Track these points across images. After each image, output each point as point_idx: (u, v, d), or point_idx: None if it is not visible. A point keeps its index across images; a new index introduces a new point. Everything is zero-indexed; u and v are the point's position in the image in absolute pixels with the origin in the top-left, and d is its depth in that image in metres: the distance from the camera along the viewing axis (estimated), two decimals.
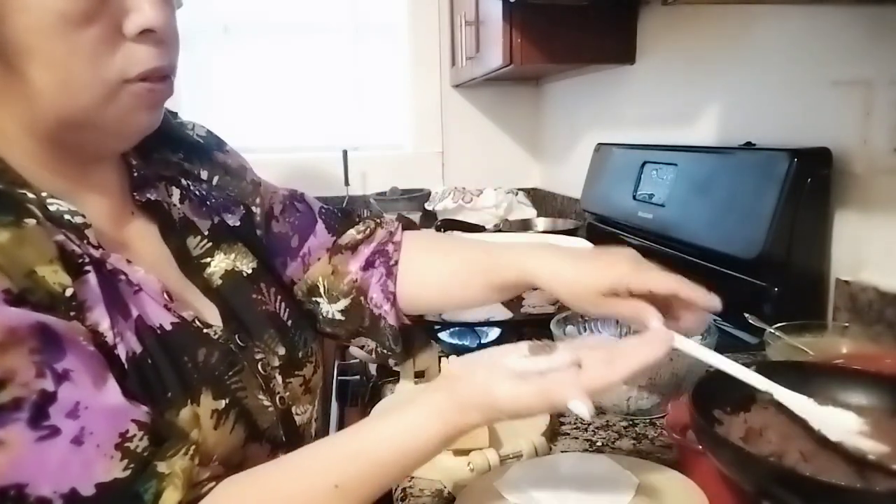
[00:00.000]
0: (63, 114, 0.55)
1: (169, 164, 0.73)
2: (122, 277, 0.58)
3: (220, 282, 0.69)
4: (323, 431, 0.90)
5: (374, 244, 0.83)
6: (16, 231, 0.50)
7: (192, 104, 2.30)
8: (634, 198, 1.45)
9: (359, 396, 1.37)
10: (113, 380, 0.51)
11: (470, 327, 1.07)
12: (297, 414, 0.69)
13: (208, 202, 0.74)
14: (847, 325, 0.87)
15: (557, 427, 0.79)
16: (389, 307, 0.80)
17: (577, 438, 0.77)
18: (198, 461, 0.53)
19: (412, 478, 0.70)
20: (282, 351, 0.70)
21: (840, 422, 0.52)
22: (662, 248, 1.33)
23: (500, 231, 1.92)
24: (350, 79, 2.50)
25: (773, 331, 0.84)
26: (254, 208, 0.79)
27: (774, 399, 0.55)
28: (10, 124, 0.56)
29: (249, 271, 0.73)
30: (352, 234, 0.84)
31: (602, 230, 1.65)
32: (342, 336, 0.84)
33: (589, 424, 0.79)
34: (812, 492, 0.45)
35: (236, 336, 0.66)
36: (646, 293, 0.62)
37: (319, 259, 0.82)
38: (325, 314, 0.81)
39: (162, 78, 0.59)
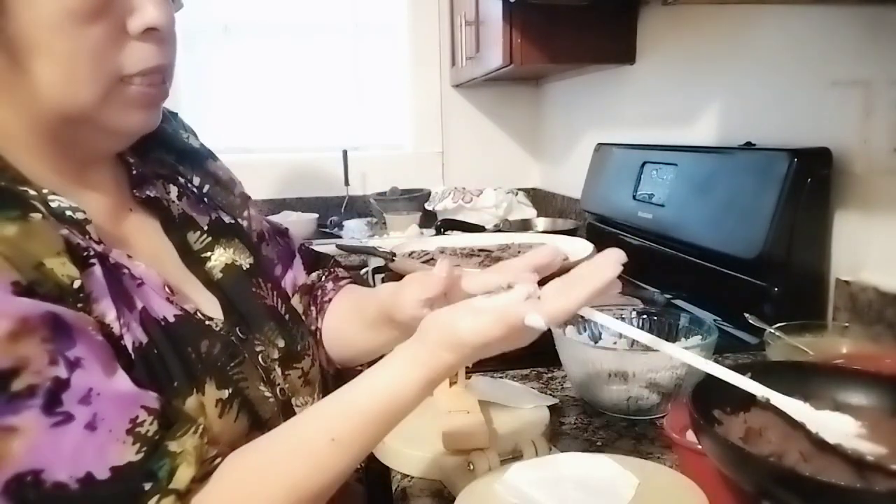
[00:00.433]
0: (64, 110, 0.57)
1: (164, 163, 0.75)
2: (125, 271, 0.59)
3: (220, 275, 0.71)
4: None
5: (321, 286, 0.87)
6: (23, 225, 0.51)
7: (192, 104, 2.30)
8: (634, 198, 1.45)
9: None
10: (121, 369, 0.53)
11: None
12: (297, 406, 0.70)
13: (204, 200, 0.77)
14: (847, 325, 0.87)
15: (557, 427, 0.79)
16: (319, 345, 0.84)
17: (577, 438, 0.77)
18: (207, 440, 0.55)
19: (412, 478, 0.70)
20: (281, 343, 0.71)
21: (837, 425, 0.52)
22: (662, 248, 1.34)
23: (500, 231, 1.92)
24: (350, 79, 2.51)
25: (773, 331, 0.84)
26: (241, 221, 0.80)
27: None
28: (11, 121, 0.57)
29: (247, 266, 0.74)
30: (314, 277, 0.88)
31: (602, 230, 1.65)
32: None
33: (589, 424, 0.79)
34: (812, 492, 0.45)
35: (237, 328, 0.67)
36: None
37: (294, 294, 0.85)
38: None
39: (158, 81, 0.61)
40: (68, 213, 0.56)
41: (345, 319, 0.83)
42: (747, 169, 1.10)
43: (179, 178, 0.75)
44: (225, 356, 0.63)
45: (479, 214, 2.12)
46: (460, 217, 2.10)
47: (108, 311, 0.54)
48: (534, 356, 0.96)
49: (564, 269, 0.62)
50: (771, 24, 1.15)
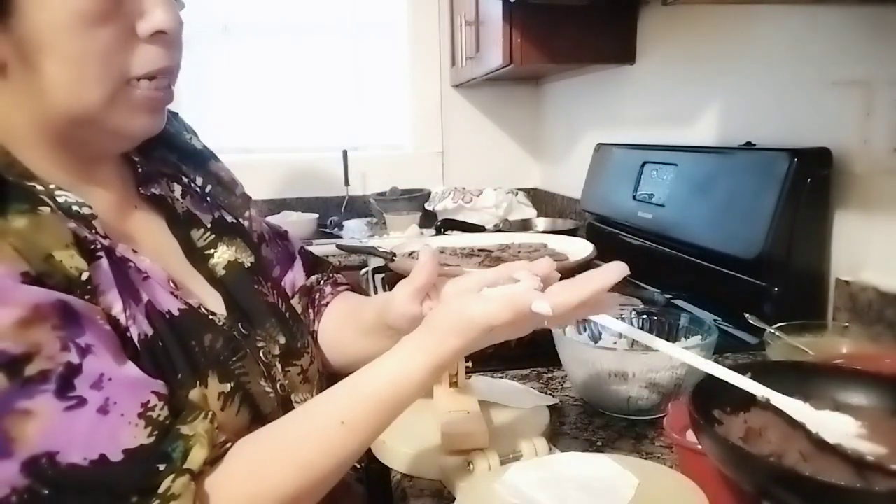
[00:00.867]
0: (72, 110, 0.58)
1: (168, 163, 0.76)
2: (131, 265, 0.60)
3: (223, 272, 0.72)
4: None
5: (319, 289, 0.88)
6: (32, 218, 0.52)
7: (192, 104, 2.30)
8: (634, 198, 1.45)
9: None
10: (128, 358, 0.54)
11: None
12: (296, 402, 0.71)
13: (207, 199, 0.78)
14: (847, 325, 0.87)
15: (557, 427, 0.79)
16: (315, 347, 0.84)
17: (577, 438, 0.77)
18: (216, 425, 0.56)
19: (412, 478, 0.70)
20: (282, 340, 0.72)
21: (837, 425, 0.52)
22: (662, 248, 1.34)
23: (500, 231, 1.92)
24: (350, 79, 2.50)
25: (773, 331, 0.84)
26: (242, 221, 0.81)
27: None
28: (21, 119, 0.58)
29: (249, 264, 0.75)
30: (313, 280, 0.89)
31: (602, 230, 1.65)
32: None
33: (589, 424, 0.79)
34: (812, 492, 0.45)
35: (239, 324, 0.69)
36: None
37: (294, 296, 0.86)
38: None
39: (164, 85, 0.62)
40: (75, 208, 0.57)
41: (340, 325, 0.84)
42: (747, 169, 1.10)
43: (183, 178, 0.76)
44: (227, 351, 0.64)
45: (479, 214, 2.12)
46: (460, 217, 2.10)
47: (114, 302, 0.56)
48: (534, 356, 0.96)
49: (565, 271, 0.63)
50: (771, 24, 1.15)
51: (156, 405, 0.52)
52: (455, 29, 2.22)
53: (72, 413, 0.48)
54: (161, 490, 0.49)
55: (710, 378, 0.57)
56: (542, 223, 1.98)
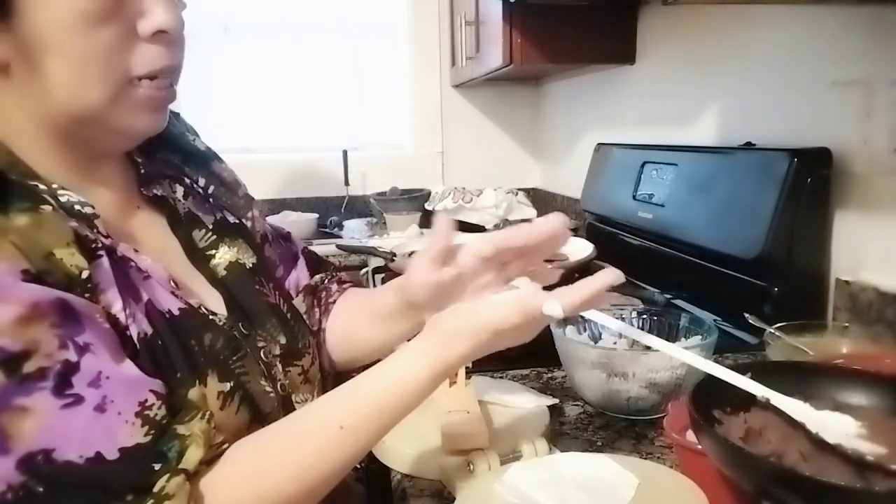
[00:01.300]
0: (75, 109, 0.58)
1: (170, 164, 0.76)
2: (132, 264, 0.60)
3: (224, 272, 0.72)
4: None
5: (325, 287, 0.89)
6: (34, 216, 0.52)
7: (192, 104, 2.30)
8: (634, 198, 1.45)
9: None
10: (127, 357, 0.54)
11: None
12: (297, 402, 0.71)
13: (210, 200, 0.78)
14: (847, 325, 0.87)
15: (557, 427, 0.79)
16: (322, 344, 0.85)
17: (577, 438, 0.77)
18: (213, 425, 0.56)
19: (412, 478, 0.70)
20: (283, 340, 0.72)
21: (837, 425, 0.52)
22: (662, 248, 1.34)
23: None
24: (350, 79, 2.50)
25: (773, 331, 0.84)
26: (245, 221, 0.81)
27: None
28: (23, 119, 0.58)
29: (251, 265, 0.75)
30: (317, 279, 0.89)
31: (602, 230, 1.65)
32: None
33: (589, 424, 0.79)
34: (812, 492, 0.45)
35: (240, 324, 0.69)
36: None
37: (298, 295, 0.85)
38: None
39: (166, 84, 0.62)
40: (77, 207, 0.58)
41: (352, 318, 0.84)
42: (747, 169, 1.10)
43: (185, 179, 0.76)
44: (227, 350, 0.64)
45: (479, 214, 2.12)
46: (460, 217, 2.10)
47: (114, 301, 0.56)
48: (534, 356, 0.96)
49: (564, 271, 0.63)
50: (771, 24, 1.15)
51: (153, 404, 0.52)
52: (455, 29, 2.22)
53: (69, 411, 0.48)
54: (156, 489, 0.49)
55: (710, 378, 0.57)
56: None
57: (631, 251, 1.48)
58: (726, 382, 0.56)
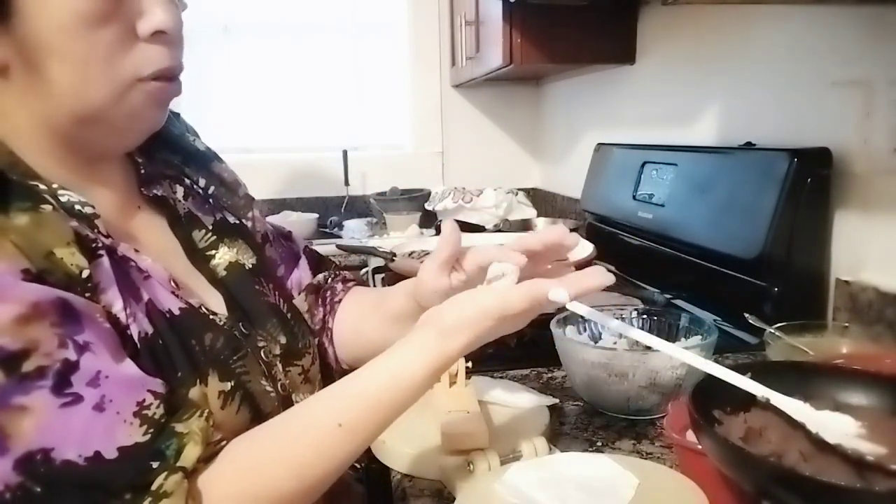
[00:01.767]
0: (77, 110, 0.58)
1: (170, 164, 0.77)
2: (132, 264, 0.60)
3: (224, 273, 0.72)
4: None
5: (330, 286, 0.89)
6: (34, 216, 0.52)
7: (192, 104, 2.29)
8: (634, 198, 1.45)
9: None
10: (127, 356, 0.54)
11: None
12: (297, 402, 0.71)
13: (210, 200, 0.78)
14: (847, 325, 0.87)
15: (557, 427, 0.79)
16: (328, 343, 0.85)
17: (577, 438, 0.77)
18: (212, 423, 0.56)
19: (412, 478, 0.70)
20: (283, 340, 0.72)
21: (837, 425, 0.52)
22: (662, 248, 1.34)
23: (500, 231, 1.92)
24: (350, 79, 2.50)
25: (773, 331, 0.84)
26: (245, 221, 0.81)
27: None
28: (23, 120, 0.58)
29: (250, 266, 0.75)
30: (320, 278, 0.89)
31: (602, 230, 1.65)
32: None
33: (589, 424, 0.79)
34: (812, 492, 0.45)
35: (240, 324, 0.69)
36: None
37: (300, 294, 0.86)
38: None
39: (172, 77, 0.62)
40: (77, 207, 0.58)
41: (360, 317, 0.84)
42: (747, 169, 1.10)
43: (185, 179, 0.77)
44: (228, 350, 0.64)
45: (479, 214, 2.12)
46: (460, 217, 2.09)
47: (115, 300, 0.56)
48: (534, 356, 0.96)
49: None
50: (771, 24, 1.15)
51: (151, 403, 0.52)
52: (455, 29, 2.22)
53: (67, 410, 0.48)
54: (154, 487, 0.49)
55: (710, 378, 0.57)
56: (542, 223, 1.97)
57: (631, 251, 1.48)
58: (726, 382, 0.56)
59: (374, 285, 1.50)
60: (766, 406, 0.55)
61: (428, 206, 2.25)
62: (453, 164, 2.53)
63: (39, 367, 0.48)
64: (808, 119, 1.07)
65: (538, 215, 2.14)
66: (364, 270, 1.64)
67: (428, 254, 1.31)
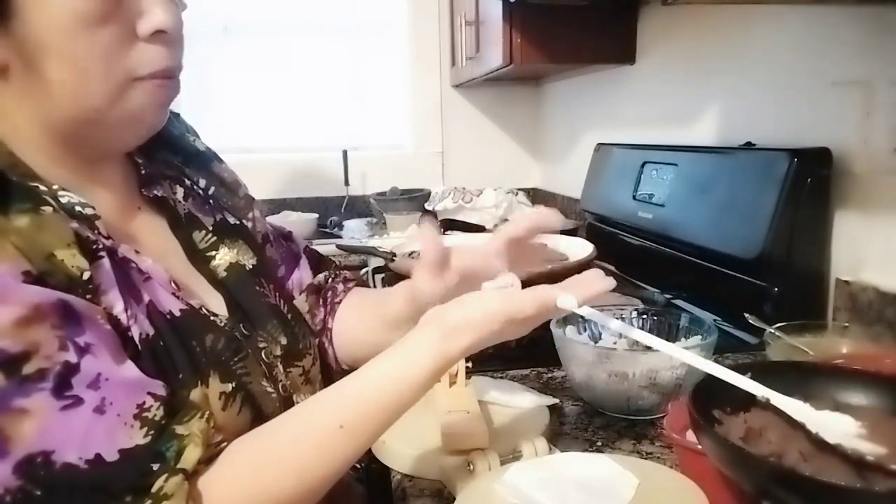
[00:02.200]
0: (77, 111, 0.58)
1: (170, 165, 0.76)
2: (133, 265, 0.60)
3: (224, 274, 0.72)
4: None
5: (331, 287, 0.89)
6: (35, 217, 0.52)
7: (192, 104, 2.30)
8: (634, 198, 1.45)
9: None
10: (128, 358, 0.54)
11: None
12: (298, 403, 0.70)
13: (210, 201, 0.78)
14: (847, 325, 0.87)
15: (557, 427, 0.79)
16: (328, 344, 0.85)
17: (577, 438, 0.77)
18: (213, 424, 0.56)
19: (412, 478, 0.70)
20: (283, 341, 0.72)
21: (837, 425, 0.52)
22: (662, 248, 1.34)
23: None
24: (350, 79, 2.50)
25: (773, 331, 0.84)
26: (245, 222, 0.81)
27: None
28: (23, 121, 0.58)
29: (251, 266, 0.75)
30: (321, 278, 0.89)
31: (602, 230, 1.65)
32: None
33: (589, 424, 0.79)
34: (812, 492, 0.45)
35: (241, 325, 0.68)
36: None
37: (301, 294, 0.86)
38: None
39: (171, 77, 0.62)
40: (78, 208, 0.57)
41: (360, 319, 0.84)
42: (747, 169, 1.10)
43: (185, 180, 0.76)
44: (229, 351, 0.64)
45: (480, 214, 2.12)
46: (460, 217, 2.10)
47: (115, 302, 0.56)
48: (534, 356, 0.96)
49: (565, 271, 0.63)
50: (771, 24, 1.15)
51: (151, 406, 0.52)
52: (455, 29, 2.22)
53: (68, 412, 0.48)
54: (154, 489, 0.49)
55: (710, 378, 0.57)
56: None
57: (631, 251, 1.48)
58: (726, 382, 0.56)
59: (374, 285, 1.50)
60: (766, 406, 0.55)
61: (428, 206, 2.25)
62: (453, 164, 2.53)
63: (40, 369, 0.48)
64: (807, 119, 1.07)
65: None
66: (364, 270, 1.64)
67: None
